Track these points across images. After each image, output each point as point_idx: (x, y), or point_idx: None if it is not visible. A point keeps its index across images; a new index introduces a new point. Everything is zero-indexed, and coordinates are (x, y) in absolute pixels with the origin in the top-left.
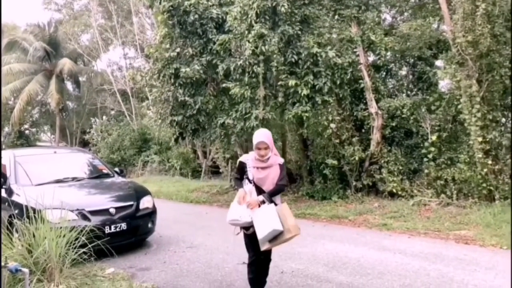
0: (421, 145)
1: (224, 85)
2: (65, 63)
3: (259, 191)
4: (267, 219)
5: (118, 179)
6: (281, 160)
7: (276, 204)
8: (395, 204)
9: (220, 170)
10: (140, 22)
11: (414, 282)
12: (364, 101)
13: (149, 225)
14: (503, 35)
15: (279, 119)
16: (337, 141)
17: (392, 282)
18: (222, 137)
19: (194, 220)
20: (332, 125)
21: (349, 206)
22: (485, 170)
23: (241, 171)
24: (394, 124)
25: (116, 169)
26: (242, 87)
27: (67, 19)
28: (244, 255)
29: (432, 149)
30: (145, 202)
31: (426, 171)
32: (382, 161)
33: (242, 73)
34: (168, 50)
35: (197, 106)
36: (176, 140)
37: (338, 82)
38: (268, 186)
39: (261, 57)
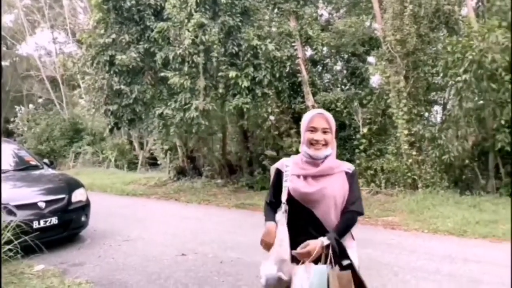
0: (353, 137)
1: (162, 74)
2: None
3: (301, 224)
4: None
5: (47, 171)
6: (350, 167)
7: (349, 261)
8: None
9: (158, 162)
10: (71, 5)
11: None
12: (302, 95)
13: (83, 218)
14: (427, 35)
15: (219, 110)
16: (276, 132)
17: None
18: (161, 127)
19: (130, 213)
20: (271, 117)
21: None
22: (410, 160)
23: (278, 188)
24: None
25: (46, 160)
26: (181, 77)
27: None
28: (183, 247)
29: (363, 141)
30: (78, 195)
31: (357, 161)
32: None
33: (182, 62)
34: (102, 36)
35: (133, 95)
36: (111, 131)
37: (277, 75)
38: (324, 211)
39: (201, 47)
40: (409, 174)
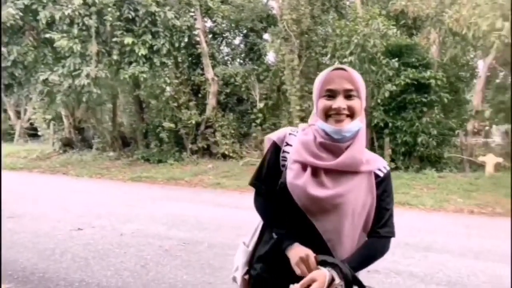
0: (250, 111)
1: (47, 35)
2: None
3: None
4: None
5: None
6: (383, 167)
7: None
8: (227, 165)
9: (39, 133)
10: None
11: (247, 232)
12: (201, 67)
13: None
14: (319, 17)
15: (113, 78)
16: (175, 104)
17: (228, 233)
18: (44, 95)
19: (11, 188)
20: (169, 88)
21: (185, 168)
22: None
23: (276, 171)
24: (228, 90)
25: None
26: (70, 40)
27: None
28: (77, 221)
29: (260, 115)
30: None
31: (254, 134)
32: (217, 125)
33: (70, 24)
34: None
35: (12, 57)
36: None
37: (176, 44)
38: (332, 229)
39: (94, 9)
40: None
